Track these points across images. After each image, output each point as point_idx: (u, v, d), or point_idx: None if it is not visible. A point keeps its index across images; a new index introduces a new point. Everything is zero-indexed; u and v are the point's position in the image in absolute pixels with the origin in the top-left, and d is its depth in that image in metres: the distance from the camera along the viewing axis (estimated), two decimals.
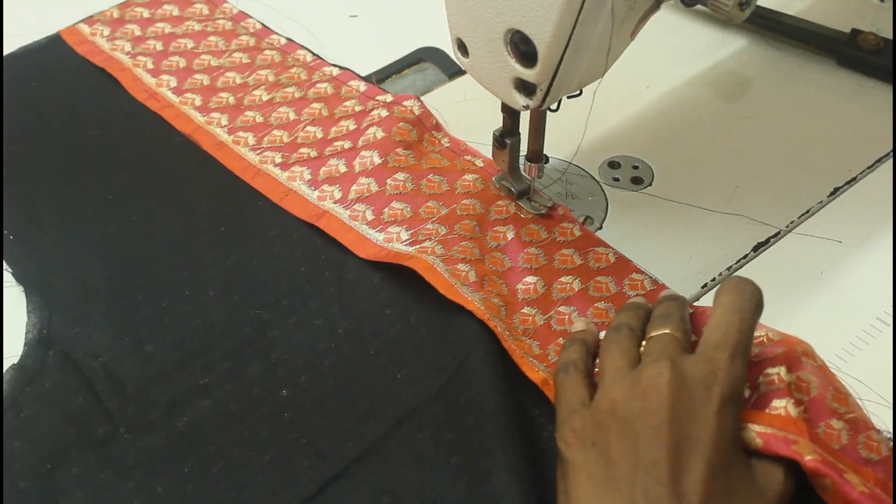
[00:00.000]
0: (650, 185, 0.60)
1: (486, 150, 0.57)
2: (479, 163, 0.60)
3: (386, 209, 0.56)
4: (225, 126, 0.63)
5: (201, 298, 0.53)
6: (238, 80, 0.67)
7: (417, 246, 0.53)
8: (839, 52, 0.68)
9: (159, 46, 0.70)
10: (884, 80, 0.67)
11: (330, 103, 0.65)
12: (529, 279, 0.53)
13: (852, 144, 0.62)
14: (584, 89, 0.49)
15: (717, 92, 0.68)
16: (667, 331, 0.42)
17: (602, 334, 0.48)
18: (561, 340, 0.50)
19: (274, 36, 0.71)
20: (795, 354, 0.42)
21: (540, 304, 0.52)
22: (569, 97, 0.49)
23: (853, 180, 0.60)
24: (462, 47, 0.49)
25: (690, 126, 0.65)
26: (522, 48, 0.45)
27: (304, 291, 0.53)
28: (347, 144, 0.61)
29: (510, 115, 0.53)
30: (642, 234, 0.56)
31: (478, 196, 0.57)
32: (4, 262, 0.55)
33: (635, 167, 0.61)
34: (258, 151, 0.61)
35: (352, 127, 0.62)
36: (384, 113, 0.62)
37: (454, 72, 0.69)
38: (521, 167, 0.57)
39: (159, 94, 0.66)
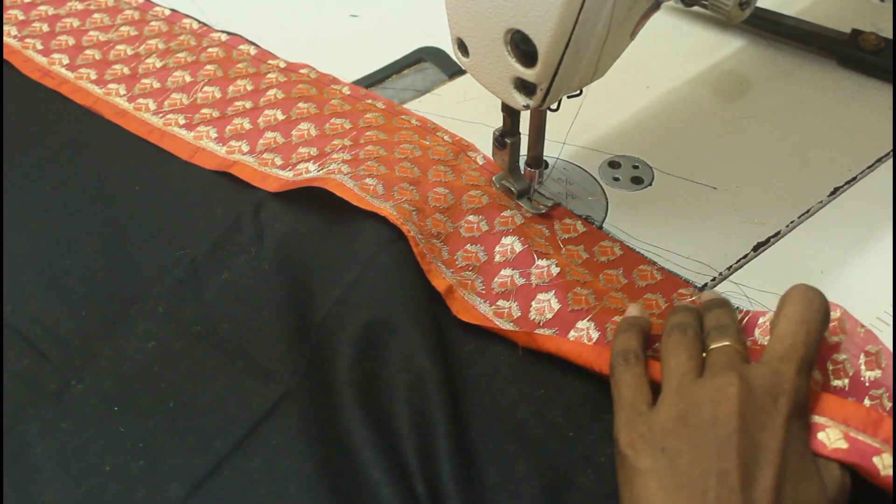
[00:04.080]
0: (650, 185, 0.60)
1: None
2: (381, 105, 0.63)
3: (293, 154, 0.60)
4: (124, 95, 0.66)
5: (127, 253, 0.55)
6: (129, 52, 0.70)
7: (324, 170, 0.56)
8: (840, 53, 0.68)
9: (45, 28, 0.72)
10: (884, 80, 0.67)
11: (223, 65, 0.68)
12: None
13: (852, 144, 0.62)
14: (583, 88, 0.49)
15: (716, 92, 0.68)
16: (727, 343, 0.43)
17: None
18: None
19: (158, 8, 0.74)
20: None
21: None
22: (569, 97, 0.49)
23: (853, 180, 0.60)
24: (462, 47, 0.49)
25: (690, 126, 0.65)
26: (523, 48, 0.45)
27: (223, 232, 0.55)
28: (248, 104, 0.64)
29: (510, 114, 0.53)
30: (642, 233, 0.56)
31: (382, 128, 0.61)
32: None
33: (635, 167, 0.61)
34: (160, 115, 0.64)
35: (249, 87, 0.66)
36: (282, 78, 0.66)
37: (454, 72, 0.69)
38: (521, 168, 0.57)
39: (53, 72, 0.68)
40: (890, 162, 0.61)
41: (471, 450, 0.45)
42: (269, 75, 0.66)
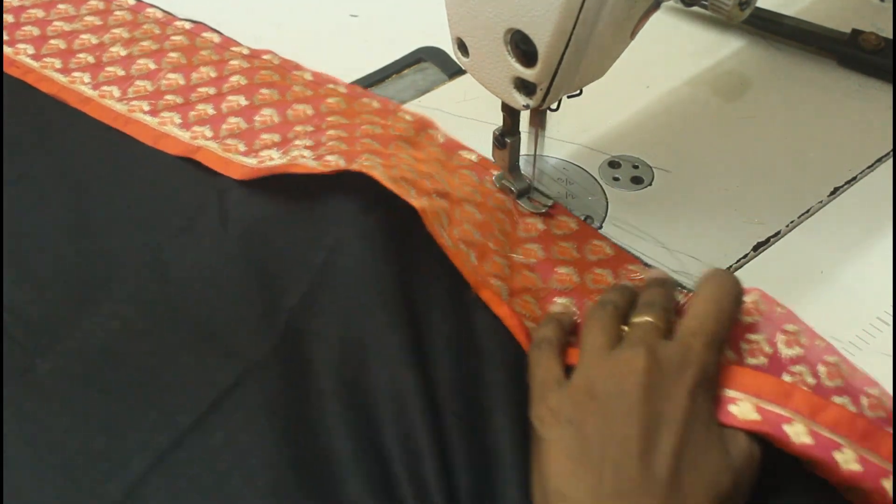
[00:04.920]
0: (650, 184, 0.60)
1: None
2: (342, 89, 0.64)
3: (256, 141, 0.60)
4: (88, 83, 0.66)
5: (93, 238, 0.56)
6: (94, 41, 0.70)
7: (288, 157, 0.56)
8: (840, 53, 0.68)
9: (10, 19, 0.73)
10: (884, 80, 0.67)
11: (187, 52, 0.69)
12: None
13: (852, 144, 0.62)
14: (583, 88, 0.49)
15: (716, 92, 0.68)
16: (648, 318, 0.44)
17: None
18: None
19: None
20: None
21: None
22: (569, 97, 0.49)
23: (853, 180, 0.60)
24: (462, 47, 0.49)
25: (690, 126, 0.65)
26: (523, 48, 0.45)
27: (188, 216, 0.56)
28: (212, 91, 0.65)
29: (510, 114, 0.53)
30: (642, 233, 0.56)
31: (343, 113, 0.62)
32: None
33: (635, 167, 0.61)
34: (125, 102, 0.65)
35: (213, 74, 0.67)
36: (245, 64, 0.67)
37: (454, 72, 0.69)
38: (521, 166, 0.57)
39: (18, 62, 0.69)
40: (890, 162, 0.61)
41: (445, 418, 0.45)
42: (231, 62, 0.67)
